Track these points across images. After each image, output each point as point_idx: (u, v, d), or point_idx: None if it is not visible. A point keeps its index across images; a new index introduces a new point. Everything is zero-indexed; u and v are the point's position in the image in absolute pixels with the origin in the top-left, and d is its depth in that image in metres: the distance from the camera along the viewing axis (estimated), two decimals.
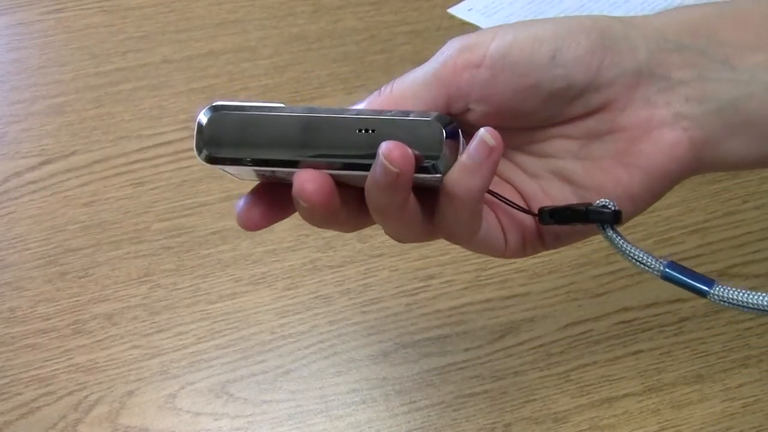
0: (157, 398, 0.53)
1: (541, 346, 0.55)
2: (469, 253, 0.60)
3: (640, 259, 0.35)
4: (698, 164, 0.36)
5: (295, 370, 0.55)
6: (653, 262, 0.35)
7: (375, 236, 0.62)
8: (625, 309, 0.57)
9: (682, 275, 0.35)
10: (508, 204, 0.37)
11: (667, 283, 0.58)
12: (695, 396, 0.53)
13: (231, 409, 0.53)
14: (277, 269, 0.60)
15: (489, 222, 0.38)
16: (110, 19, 0.83)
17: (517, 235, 0.39)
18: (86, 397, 0.53)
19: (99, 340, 0.56)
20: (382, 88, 0.35)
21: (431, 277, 0.59)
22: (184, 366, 0.55)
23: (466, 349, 0.55)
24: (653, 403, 0.52)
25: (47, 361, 0.55)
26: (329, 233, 0.62)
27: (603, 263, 0.59)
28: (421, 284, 0.59)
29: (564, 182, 0.38)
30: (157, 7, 0.84)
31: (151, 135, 0.70)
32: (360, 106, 0.36)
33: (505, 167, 0.39)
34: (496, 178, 0.38)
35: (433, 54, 0.36)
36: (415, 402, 0.53)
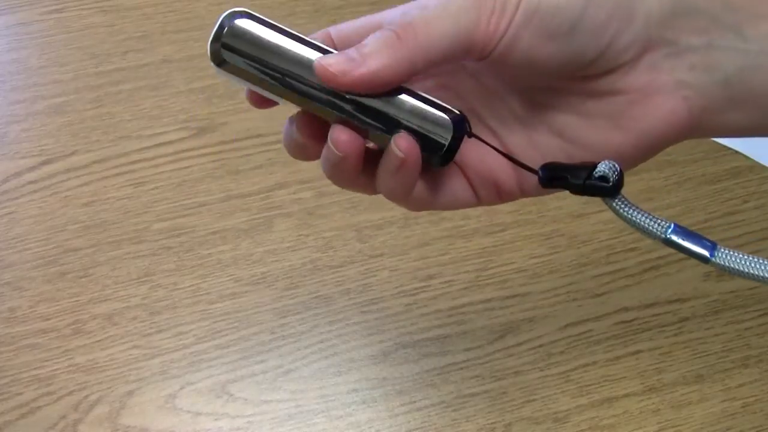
0: (157, 398, 0.53)
1: (541, 346, 0.55)
2: (470, 253, 0.60)
3: (644, 225, 0.34)
4: (693, 131, 0.36)
5: (295, 370, 0.55)
6: (658, 228, 0.34)
7: (375, 236, 0.62)
8: (625, 309, 0.57)
9: (685, 240, 0.34)
10: (510, 159, 0.37)
11: (667, 283, 0.59)
12: (695, 396, 0.53)
13: (231, 409, 0.53)
14: (277, 269, 0.60)
15: (453, 186, 0.38)
16: (110, 19, 0.83)
17: (489, 190, 0.38)
18: (86, 397, 0.53)
19: (99, 340, 0.56)
20: (402, 27, 0.33)
21: (431, 277, 0.59)
22: (184, 366, 0.55)
23: (466, 349, 0.55)
24: (653, 403, 0.52)
25: (47, 361, 0.55)
26: (329, 233, 0.62)
27: (603, 263, 0.59)
28: (421, 284, 0.59)
29: (554, 135, 0.37)
30: (157, 7, 0.84)
31: (151, 135, 0.70)
32: (375, 51, 0.33)
33: (498, 112, 0.38)
34: (483, 126, 0.38)
35: None
36: (415, 402, 0.53)
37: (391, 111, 0.35)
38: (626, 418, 0.52)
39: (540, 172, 0.36)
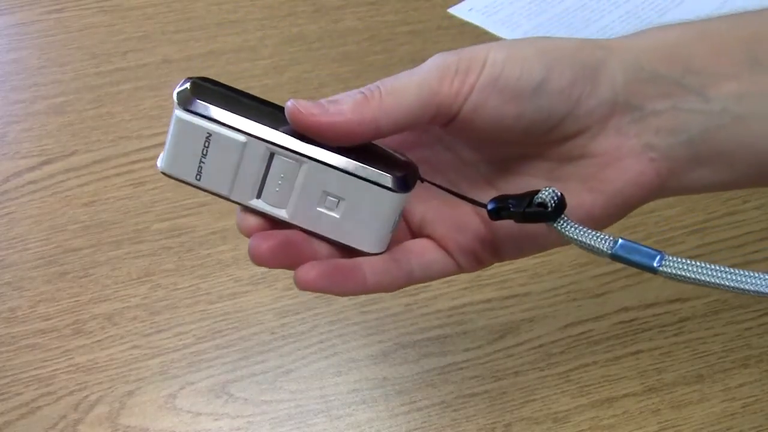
0: (157, 398, 0.53)
1: (541, 346, 0.55)
2: None
3: (589, 243, 0.35)
4: (663, 191, 0.37)
5: (295, 370, 0.55)
6: (603, 245, 0.35)
7: None
8: (625, 309, 0.57)
9: (630, 255, 0.34)
10: (458, 197, 0.38)
11: (667, 283, 0.59)
12: (695, 396, 0.53)
13: (231, 409, 0.53)
14: (277, 269, 0.60)
15: (428, 257, 0.39)
16: (110, 19, 0.83)
17: (467, 257, 0.39)
18: (86, 397, 0.53)
19: (99, 340, 0.56)
20: (370, 90, 0.35)
21: None
22: (184, 366, 0.55)
23: (466, 349, 0.55)
24: (653, 403, 0.52)
25: (47, 361, 0.55)
26: None
27: (603, 263, 0.59)
28: (420, 284, 0.59)
29: None
30: (157, 7, 0.84)
31: (151, 135, 0.70)
32: (343, 105, 0.35)
33: (474, 182, 0.39)
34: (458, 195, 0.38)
35: (432, 54, 0.36)
36: (415, 402, 0.53)
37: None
38: (626, 418, 0.52)
39: (488, 206, 0.37)
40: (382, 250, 0.37)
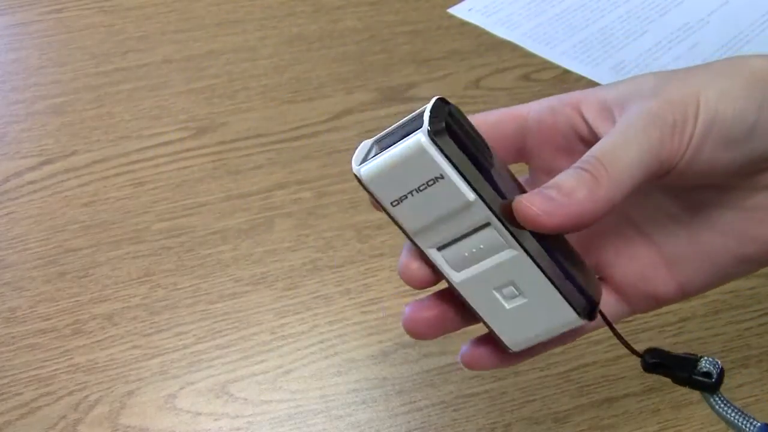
0: (157, 398, 0.53)
1: None
2: None
3: (735, 423, 0.36)
4: None
5: (295, 370, 0.55)
6: (748, 427, 0.36)
7: (375, 236, 0.62)
8: None
9: None
10: (618, 338, 0.37)
11: None
12: (695, 396, 0.53)
13: (231, 409, 0.53)
14: (277, 269, 0.60)
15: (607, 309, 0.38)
16: (110, 19, 0.83)
17: (647, 301, 0.39)
18: (86, 397, 0.53)
19: (99, 340, 0.56)
20: (592, 165, 0.32)
21: None
22: (184, 366, 0.55)
23: None
24: (653, 403, 0.52)
25: (47, 361, 0.55)
26: (329, 233, 0.62)
27: None
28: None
29: (717, 233, 0.37)
30: (157, 7, 0.84)
31: (151, 135, 0.70)
32: (575, 193, 0.32)
33: (654, 216, 0.38)
34: (631, 235, 0.37)
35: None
36: (415, 402, 0.53)
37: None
38: (626, 418, 0.52)
39: (644, 358, 0.37)
40: (519, 351, 0.35)
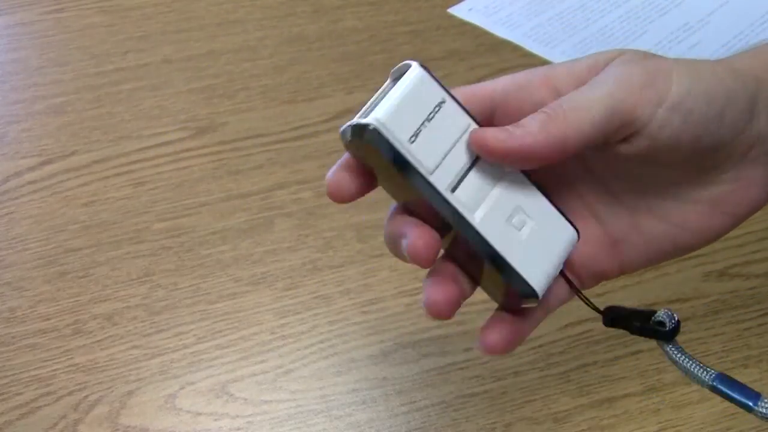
0: (157, 398, 0.53)
1: (540, 346, 0.55)
2: None
3: (692, 371, 0.37)
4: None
5: (295, 370, 0.55)
6: (704, 375, 0.37)
7: (375, 236, 0.62)
8: None
9: (729, 389, 0.37)
10: (581, 298, 0.39)
11: (667, 283, 0.59)
12: (695, 396, 0.53)
13: (231, 409, 0.53)
14: (277, 269, 0.60)
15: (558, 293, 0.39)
16: (110, 19, 0.83)
17: (594, 279, 0.40)
18: (86, 397, 0.53)
19: (99, 340, 0.56)
20: (551, 108, 0.34)
21: None
22: (184, 366, 0.55)
23: (466, 349, 0.55)
24: (653, 403, 0.52)
25: (47, 361, 0.55)
26: (329, 233, 0.62)
27: None
28: (421, 284, 0.59)
29: (658, 219, 0.38)
30: (157, 7, 0.84)
31: (151, 135, 0.70)
32: (529, 127, 0.34)
33: (603, 197, 0.39)
34: (583, 214, 0.38)
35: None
36: (415, 402, 0.53)
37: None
38: (626, 418, 0.52)
39: (604, 314, 0.39)
40: (542, 294, 0.36)
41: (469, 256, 0.36)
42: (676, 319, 0.37)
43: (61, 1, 0.85)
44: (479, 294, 0.58)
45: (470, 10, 0.84)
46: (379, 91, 0.35)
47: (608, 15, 0.85)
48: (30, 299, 0.58)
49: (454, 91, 0.36)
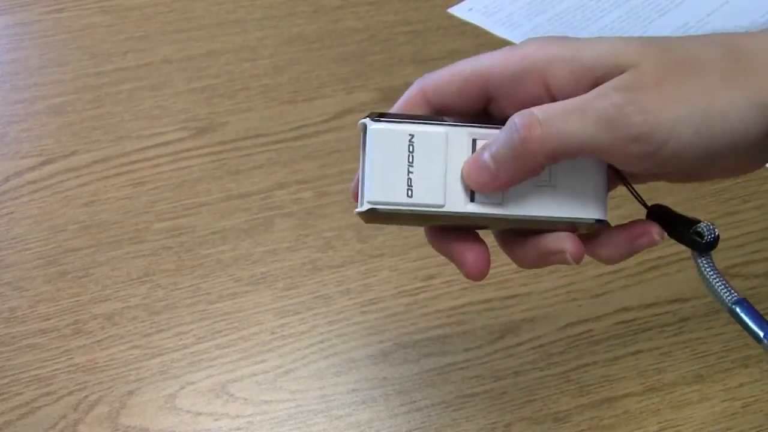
0: (157, 398, 0.53)
1: (541, 346, 0.55)
2: None
3: (716, 289, 0.38)
4: None
5: (295, 370, 0.55)
6: (727, 296, 0.37)
7: (375, 236, 0.62)
8: (625, 309, 0.57)
9: (746, 315, 0.37)
10: (633, 192, 0.39)
11: (667, 283, 0.59)
12: (695, 396, 0.53)
13: (231, 409, 0.53)
14: (277, 269, 0.60)
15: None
16: (110, 19, 0.83)
17: None
18: (86, 397, 0.53)
19: (99, 340, 0.56)
20: (523, 129, 0.34)
21: (431, 277, 0.59)
22: (184, 366, 0.55)
23: (466, 349, 0.55)
24: (653, 403, 0.52)
25: (47, 361, 0.55)
26: (329, 233, 0.62)
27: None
28: (421, 284, 0.59)
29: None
30: (157, 7, 0.84)
31: (151, 135, 0.70)
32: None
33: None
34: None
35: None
36: (415, 402, 0.53)
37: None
38: (626, 418, 0.52)
39: (650, 209, 0.39)
40: (605, 216, 0.37)
41: (523, 233, 0.37)
42: (716, 233, 0.37)
43: (61, 1, 0.85)
44: (479, 294, 0.58)
45: (470, 10, 0.84)
46: (360, 157, 0.36)
47: (608, 15, 0.85)
48: (30, 299, 0.58)
49: (447, 82, 0.37)
